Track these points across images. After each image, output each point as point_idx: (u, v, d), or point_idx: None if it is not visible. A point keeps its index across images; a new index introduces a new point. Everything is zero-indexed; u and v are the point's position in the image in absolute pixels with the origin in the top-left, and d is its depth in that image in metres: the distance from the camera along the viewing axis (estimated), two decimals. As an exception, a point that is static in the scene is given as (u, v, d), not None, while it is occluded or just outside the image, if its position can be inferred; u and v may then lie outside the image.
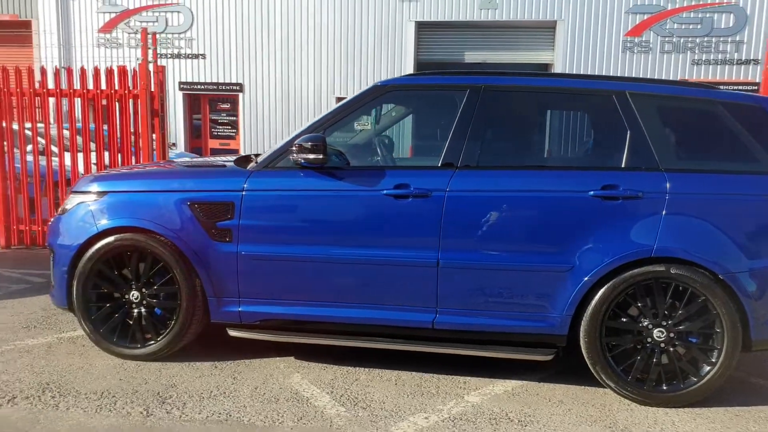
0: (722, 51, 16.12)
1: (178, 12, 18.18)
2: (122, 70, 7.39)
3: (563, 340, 3.86)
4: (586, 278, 3.73)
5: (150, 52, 7.34)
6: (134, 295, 4.23)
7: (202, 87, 18.28)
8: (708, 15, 16.07)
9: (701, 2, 15.95)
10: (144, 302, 4.22)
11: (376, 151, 4.55)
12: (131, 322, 4.24)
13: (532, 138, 4.26)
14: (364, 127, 4.53)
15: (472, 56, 17.57)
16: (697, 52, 16.21)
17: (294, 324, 4.10)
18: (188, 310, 4.12)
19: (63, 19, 18.51)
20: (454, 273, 3.88)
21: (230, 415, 3.48)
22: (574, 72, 16.67)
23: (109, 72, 7.34)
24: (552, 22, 16.65)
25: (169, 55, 18.10)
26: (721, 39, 16.10)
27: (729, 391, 3.94)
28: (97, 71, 7.42)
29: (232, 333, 4.14)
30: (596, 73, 16.55)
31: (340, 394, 3.78)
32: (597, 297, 3.74)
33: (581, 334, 3.79)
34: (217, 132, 18.70)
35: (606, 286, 3.73)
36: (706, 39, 16.14)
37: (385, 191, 3.91)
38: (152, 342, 4.23)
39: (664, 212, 3.70)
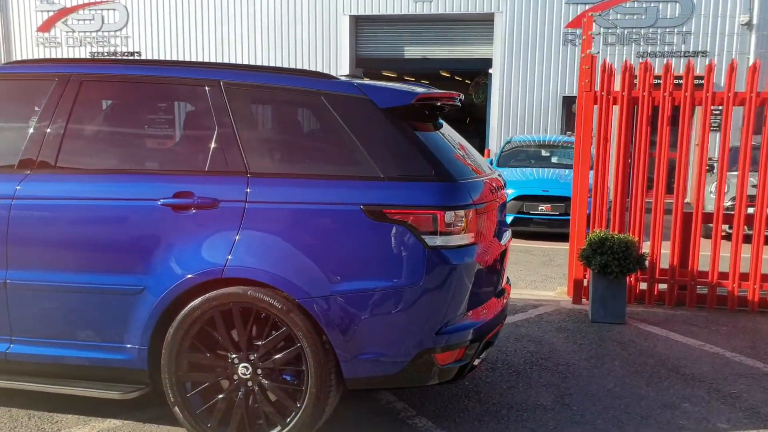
0: (668, 43, 15.18)
1: (114, 10, 17.80)
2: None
3: (146, 375, 3.24)
4: (156, 302, 3.12)
5: None
6: None
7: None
8: (653, 5, 15.16)
9: (646, -9, 15.05)
10: None
11: None
12: None
13: (119, 136, 3.63)
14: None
15: (411, 52, 16.88)
16: (642, 43, 15.30)
17: None
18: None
19: (2, 18, 18.26)
20: (23, 294, 3.30)
21: None
22: (513, 66, 15.90)
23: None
24: (489, 14, 15.87)
25: (105, 54, 17.76)
26: (667, 30, 15.17)
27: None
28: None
29: None
30: (536, 68, 15.77)
31: None
32: (173, 325, 3.12)
33: (162, 369, 3.17)
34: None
35: (182, 313, 3.10)
36: (651, 30, 15.23)
37: (-49, 198, 3.34)
38: None
39: (241, 224, 3.07)
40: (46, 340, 3.31)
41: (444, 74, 21.11)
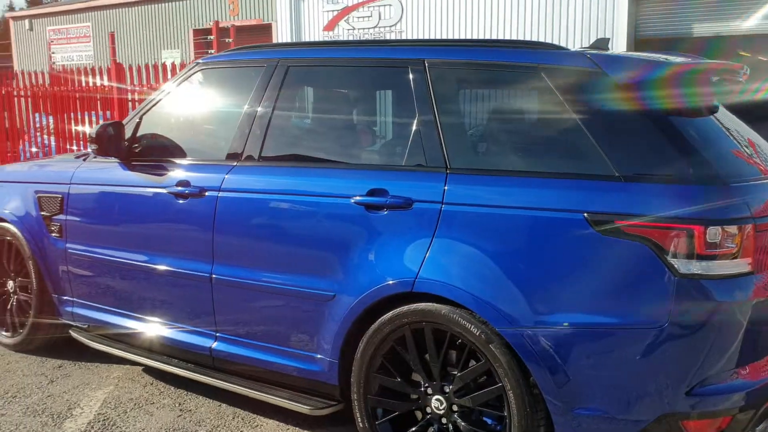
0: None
1: (390, 5, 18.41)
2: None
3: (337, 391, 2.91)
4: (345, 312, 2.76)
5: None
6: None
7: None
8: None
9: None
10: None
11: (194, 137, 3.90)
12: None
13: (316, 126, 3.27)
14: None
15: (701, 28, 14.75)
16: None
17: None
18: None
19: (295, 21, 20.05)
20: (227, 291, 3.18)
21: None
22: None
23: None
24: (808, -23, 13.13)
25: (380, 48, 18.56)
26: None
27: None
28: None
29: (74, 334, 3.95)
30: None
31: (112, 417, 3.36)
32: (363, 341, 2.74)
33: (352, 388, 2.82)
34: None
35: (372, 328, 2.71)
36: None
37: (168, 188, 3.35)
38: None
39: (436, 230, 2.56)
40: (245, 341, 3.16)
41: (743, 54, 18.23)
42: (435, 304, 2.53)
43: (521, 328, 2.34)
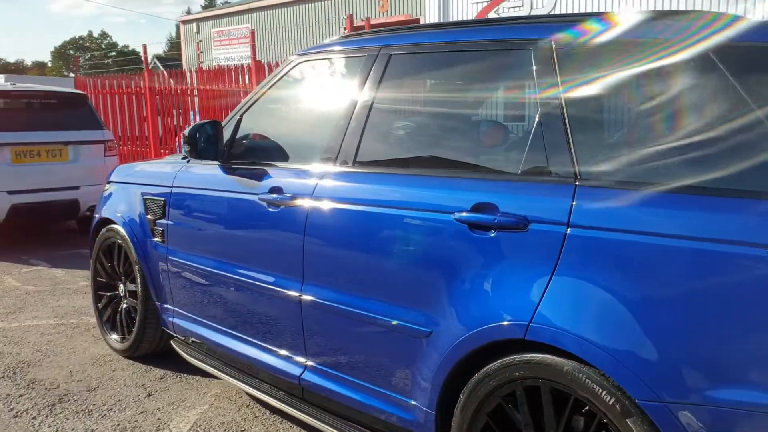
0: None
1: (543, -7, 17.41)
2: None
3: (435, 450, 2.39)
4: (442, 355, 2.24)
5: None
6: None
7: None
8: None
9: None
10: None
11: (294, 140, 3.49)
12: None
13: (416, 124, 2.70)
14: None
15: None
16: None
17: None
18: None
19: (443, 14, 19.59)
20: (316, 314, 2.77)
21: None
22: None
23: None
24: None
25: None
26: None
27: None
28: None
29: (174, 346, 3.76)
30: None
31: (189, 442, 3.08)
32: (464, 393, 2.20)
33: (452, 450, 2.28)
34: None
35: (474, 379, 2.17)
36: None
37: (261, 195, 3.00)
38: None
39: (559, 260, 1.95)
40: (335, 373, 2.73)
41: None
42: (556, 358, 1.94)
43: (672, 403, 1.70)
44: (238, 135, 3.32)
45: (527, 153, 2.15)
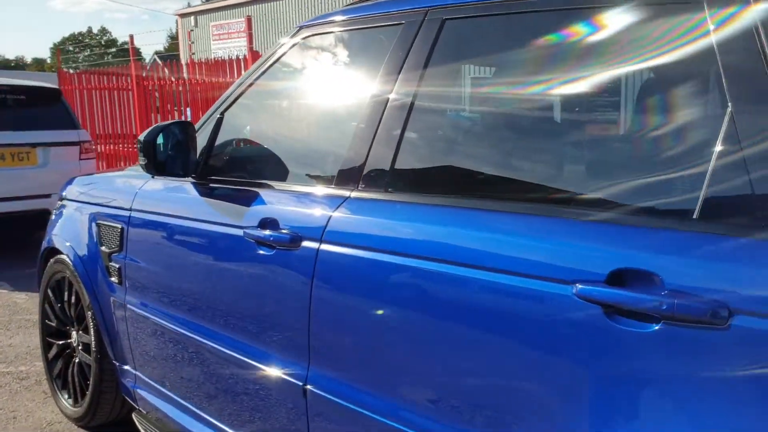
0: None
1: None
2: None
3: None
4: None
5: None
6: None
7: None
8: None
9: None
10: None
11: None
12: None
13: (493, 125, 1.75)
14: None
15: None
16: None
17: None
18: None
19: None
20: (329, 414, 1.82)
21: None
22: None
23: None
24: None
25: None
26: None
27: None
28: None
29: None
30: None
31: None
32: None
33: None
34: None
35: None
36: None
37: (247, 230, 2.05)
38: None
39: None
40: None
41: None
42: None
43: None
44: (218, 141, 2.37)
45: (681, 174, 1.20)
